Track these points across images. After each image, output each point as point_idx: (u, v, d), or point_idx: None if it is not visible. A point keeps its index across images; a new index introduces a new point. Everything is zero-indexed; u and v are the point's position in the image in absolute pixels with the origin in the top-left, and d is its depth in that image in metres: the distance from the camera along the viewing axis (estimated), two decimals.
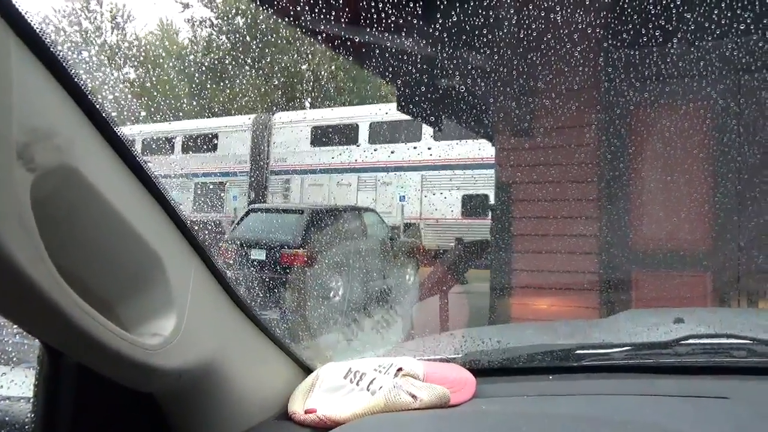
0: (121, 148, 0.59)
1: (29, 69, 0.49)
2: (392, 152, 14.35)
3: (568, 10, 3.66)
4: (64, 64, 0.51)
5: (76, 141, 0.53)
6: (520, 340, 1.33)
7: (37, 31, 0.48)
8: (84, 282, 0.57)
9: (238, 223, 9.18)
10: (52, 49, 0.50)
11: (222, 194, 16.26)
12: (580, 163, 4.06)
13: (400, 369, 0.93)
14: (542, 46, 3.93)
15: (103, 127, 0.57)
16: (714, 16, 3.49)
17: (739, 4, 3.43)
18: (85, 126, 0.55)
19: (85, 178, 0.54)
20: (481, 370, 1.06)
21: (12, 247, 0.45)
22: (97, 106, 0.55)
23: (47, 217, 0.50)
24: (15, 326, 0.65)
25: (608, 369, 1.09)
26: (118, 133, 0.58)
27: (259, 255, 7.65)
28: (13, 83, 0.46)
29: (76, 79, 0.53)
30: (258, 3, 4.97)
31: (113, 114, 0.58)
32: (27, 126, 0.47)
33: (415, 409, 0.88)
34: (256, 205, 11.87)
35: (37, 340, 0.68)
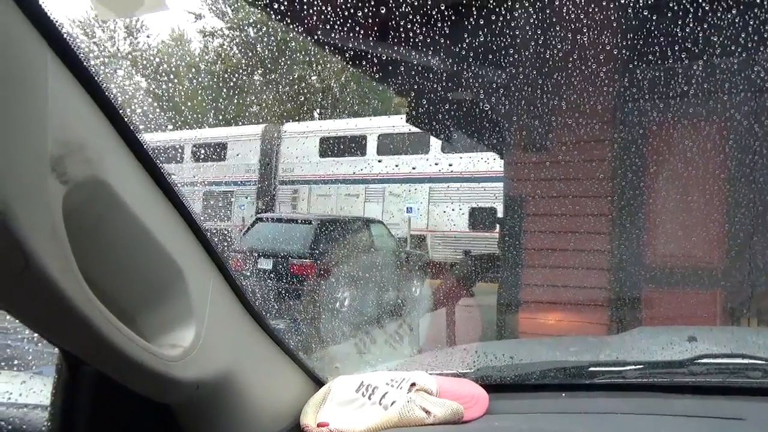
0: (147, 161, 0.60)
1: (63, 82, 0.50)
2: (400, 164, 14.38)
3: (585, 26, 3.68)
4: (96, 78, 0.52)
5: (105, 154, 0.54)
6: (533, 356, 1.32)
7: (72, 46, 0.49)
8: (108, 292, 0.58)
9: (245, 233, 9.21)
10: (85, 64, 0.51)
11: (230, 203, 16.33)
12: (592, 179, 4.05)
13: (413, 384, 0.92)
14: (556, 61, 3.94)
15: (131, 141, 0.58)
16: (733, 35, 3.49)
17: (757, 23, 3.43)
18: (115, 139, 0.56)
19: (114, 190, 0.55)
20: (493, 386, 1.06)
21: (44, 257, 0.46)
22: (126, 120, 0.56)
23: (76, 228, 0.51)
24: (34, 333, 0.65)
25: (622, 387, 1.08)
26: (145, 146, 0.59)
27: (266, 264, 7.66)
28: (48, 97, 0.47)
29: (107, 93, 0.54)
30: (270, 14, 5.03)
31: (140, 127, 0.59)
32: (61, 139, 0.48)
33: (429, 424, 0.88)
34: (264, 215, 11.92)
35: (55, 348, 0.69)
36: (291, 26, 4.54)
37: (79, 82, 0.52)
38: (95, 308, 0.52)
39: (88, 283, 0.52)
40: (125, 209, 0.57)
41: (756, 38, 3.56)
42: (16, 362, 0.98)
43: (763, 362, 1.11)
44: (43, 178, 0.46)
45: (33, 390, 0.92)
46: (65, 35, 0.49)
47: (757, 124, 3.75)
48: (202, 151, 17.00)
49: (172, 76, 29.17)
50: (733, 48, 3.65)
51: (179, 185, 0.67)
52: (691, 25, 3.49)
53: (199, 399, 0.73)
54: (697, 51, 3.84)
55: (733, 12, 3.34)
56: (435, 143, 13.28)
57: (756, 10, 3.35)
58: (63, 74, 0.50)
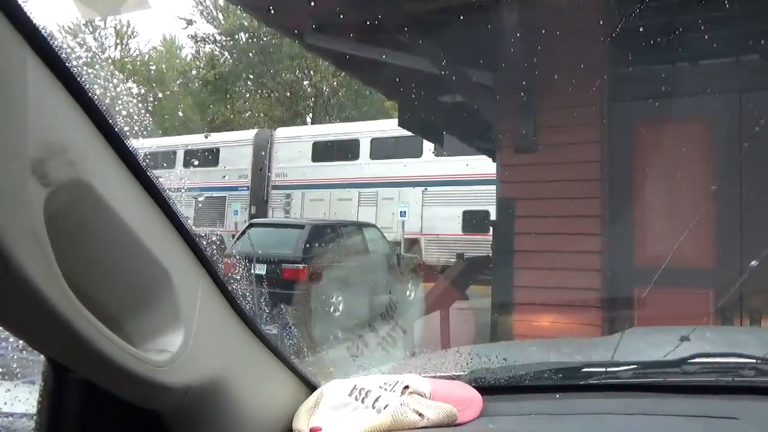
0: (132, 163, 0.59)
1: (44, 84, 0.49)
2: (393, 167, 14.40)
3: (572, 27, 3.70)
4: (78, 79, 0.52)
5: (89, 156, 0.53)
6: (526, 358, 1.32)
7: (53, 46, 0.49)
8: (93, 297, 0.57)
9: (239, 238, 9.18)
10: (67, 64, 0.50)
11: (223, 208, 16.28)
12: (582, 180, 4.07)
13: (406, 387, 0.92)
14: (545, 62, 3.96)
15: (116, 142, 0.57)
16: (719, 37, 3.51)
17: (741, 25, 3.46)
18: (98, 140, 0.55)
19: (98, 193, 0.54)
20: (487, 388, 1.05)
21: (25, 262, 0.45)
22: (110, 121, 0.56)
23: (59, 232, 0.50)
24: (20, 341, 0.64)
25: (615, 388, 1.08)
26: (130, 148, 0.59)
27: (260, 269, 7.65)
28: (28, 98, 0.46)
29: (90, 94, 0.53)
30: (262, 20, 5.02)
31: (125, 129, 0.58)
32: (41, 141, 0.47)
33: (422, 427, 0.87)
34: (257, 220, 11.89)
35: (41, 356, 0.68)
36: (280, 30, 4.53)
37: (62, 84, 0.51)
38: (79, 313, 0.51)
39: (72, 288, 0.51)
40: (110, 212, 0.56)
41: (742, 40, 3.59)
42: (0, 371, 0.97)
43: (756, 361, 1.11)
44: (22, 180, 0.45)
45: (19, 398, 0.91)
46: (47, 36, 0.48)
47: (746, 124, 3.78)
48: (195, 157, 16.96)
49: (163, 82, 29.10)
50: (720, 49, 3.68)
51: (168, 189, 0.66)
52: (678, 26, 3.52)
53: (188, 405, 0.72)
54: (685, 52, 3.86)
55: (719, 14, 3.36)
56: (428, 147, 13.31)
57: (742, 13, 3.38)
58: (44, 75, 0.49)
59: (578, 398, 1.06)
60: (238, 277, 0.94)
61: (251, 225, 9.68)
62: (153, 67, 29.75)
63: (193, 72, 28.79)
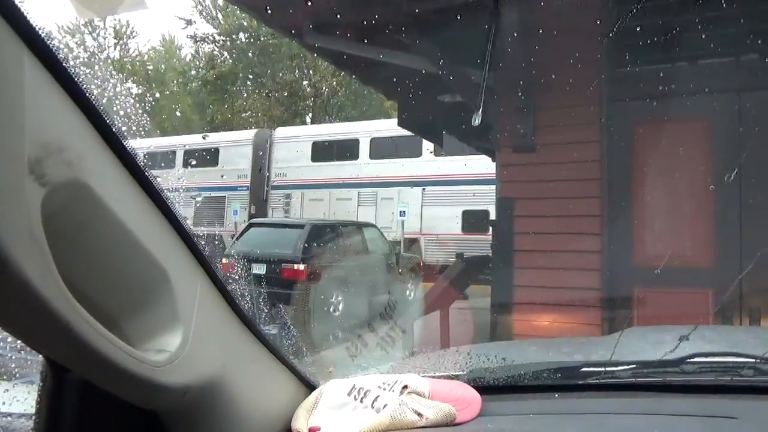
0: (130, 163, 0.59)
1: (42, 84, 0.49)
2: (392, 167, 14.40)
3: (571, 26, 3.70)
4: (76, 80, 0.52)
5: (86, 156, 0.53)
6: (525, 358, 1.32)
7: (50, 46, 0.49)
8: (91, 297, 0.57)
9: (238, 238, 9.19)
10: (64, 65, 0.50)
11: (223, 208, 16.28)
12: (581, 179, 4.07)
13: (405, 386, 0.92)
14: (544, 62, 3.96)
15: (114, 142, 0.57)
16: (717, 36, 3.51)
17: (739, 24, 3.46)
18: (96, 141, 0.55)
19: (95, 193, 0.54)
20: (486, 388, 1.05)
21: (22, 262, 0.45)
22: (108, 121, 0.56)
23: (56, 232, 0.50)
24: (18, 341, 0.64)
25: (615, 387, 1.08)
26: (128, 148, 0.59)
27: (259, 269, 7.65)
28: (26, 98, 0.46)
29: (87, 95, 0.53)
30: (260, 19, 5.02)
31: (123, 129, 0.58)
32: (39, 141, 0.47)
33: (421, 427, 0.87)
34: (257, 220, 11.89)
35: (40, 356, 0.68)
36: (280, 29, 4.52)
37: (59, 84, 0.51)
38: (77, 313, 0.51)
39: (70, 288, 0.51)
40: (108, 212, 0.56)
41: (741, 39, 3.59)
42: None
43: (755, 360, 1.11)
44: (20, 180, 0.45)
45: (17, 398, 0.91)
46: (44, 36, 0.48)
47: (745, 123, 3.78)
48: (194, 157, 16.95)
49: (162, 82, 29.08)
50: (719, 49, 3.68)
51: (167, 189, 0.66)
52: (677, 25, 3.52)
53: (187, 405, 0.72)
54: (683, 51, 3.86)
55: (717, 13, 3.37)
56: (427, 146, 13.31)
57: (741, 12, 3.38)
58: (41, 75, 0.49)
59: (577, 398, 1.06)
60: (237, 277, 0.94)
61: (251, 225, 9.68)
62: (152, 67, 29.71)
63: (193, 72, 28.78)
